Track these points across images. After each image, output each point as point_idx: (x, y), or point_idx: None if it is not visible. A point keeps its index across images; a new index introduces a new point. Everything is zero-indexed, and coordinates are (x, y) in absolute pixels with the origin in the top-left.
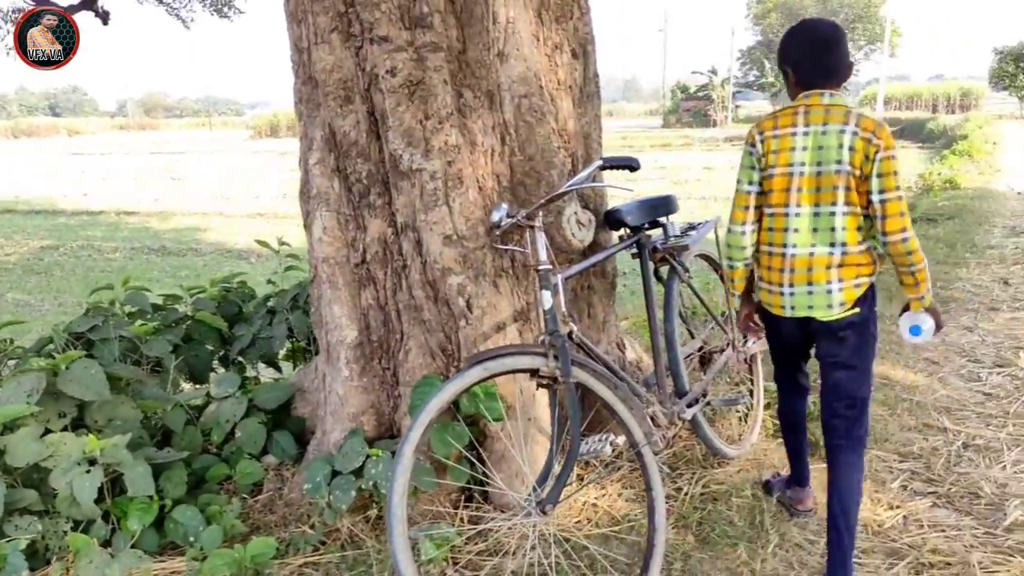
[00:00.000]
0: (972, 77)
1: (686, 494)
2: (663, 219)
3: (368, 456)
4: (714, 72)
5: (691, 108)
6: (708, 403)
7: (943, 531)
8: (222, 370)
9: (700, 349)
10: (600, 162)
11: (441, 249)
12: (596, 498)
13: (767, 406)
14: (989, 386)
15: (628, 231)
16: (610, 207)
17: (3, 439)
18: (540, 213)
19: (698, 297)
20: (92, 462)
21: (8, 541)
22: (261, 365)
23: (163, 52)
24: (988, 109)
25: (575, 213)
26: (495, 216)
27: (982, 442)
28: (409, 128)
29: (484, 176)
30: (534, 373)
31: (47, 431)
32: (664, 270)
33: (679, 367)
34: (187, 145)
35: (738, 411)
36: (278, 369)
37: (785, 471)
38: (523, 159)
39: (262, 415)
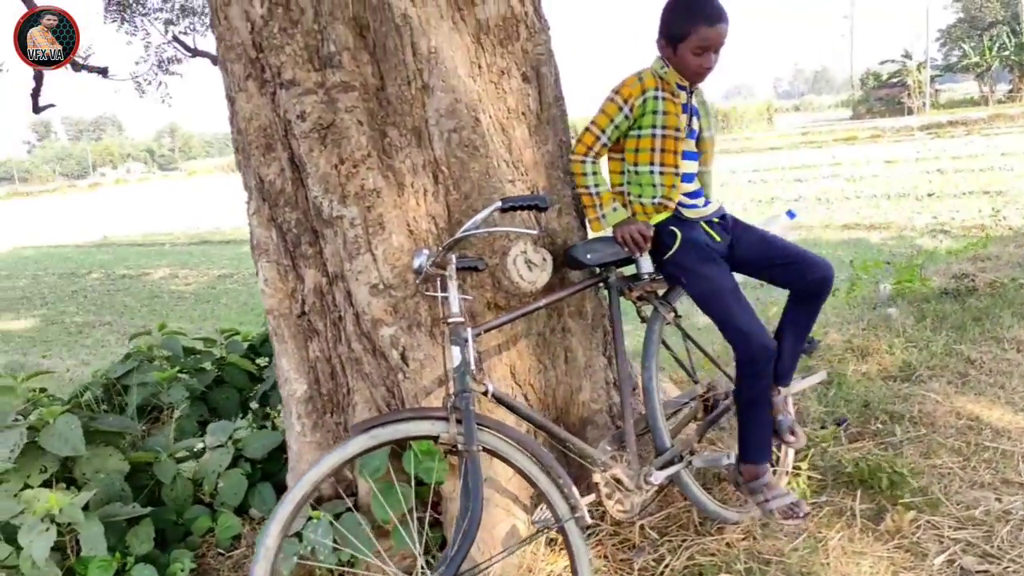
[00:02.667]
0: None
1: (666, 567)
2: (637, 255)
3: (309, 518)
4: (908, 56)
5: (884, 96)
6: (690, 463)
7: None
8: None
9: (702, 396)
10: (499, 203)
11: (369, 299)
12: (564, 568)
13: (805, 456)
14: None
15: (599, 269)
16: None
17: None
18: (453, 259)
19: (690, 340)
20: (53, 520)
21: None
22: None
23: None
24: None
25: (523, 253)
26: (416, 262)
27: None
28: (325, 174)
29: (416, 218)
30: (436, 440)
31: (26, 486)
32: (647, 310)
33: (657, 420)
34: None
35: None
36: None
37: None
38: (459, 197)
39: (248, 465)
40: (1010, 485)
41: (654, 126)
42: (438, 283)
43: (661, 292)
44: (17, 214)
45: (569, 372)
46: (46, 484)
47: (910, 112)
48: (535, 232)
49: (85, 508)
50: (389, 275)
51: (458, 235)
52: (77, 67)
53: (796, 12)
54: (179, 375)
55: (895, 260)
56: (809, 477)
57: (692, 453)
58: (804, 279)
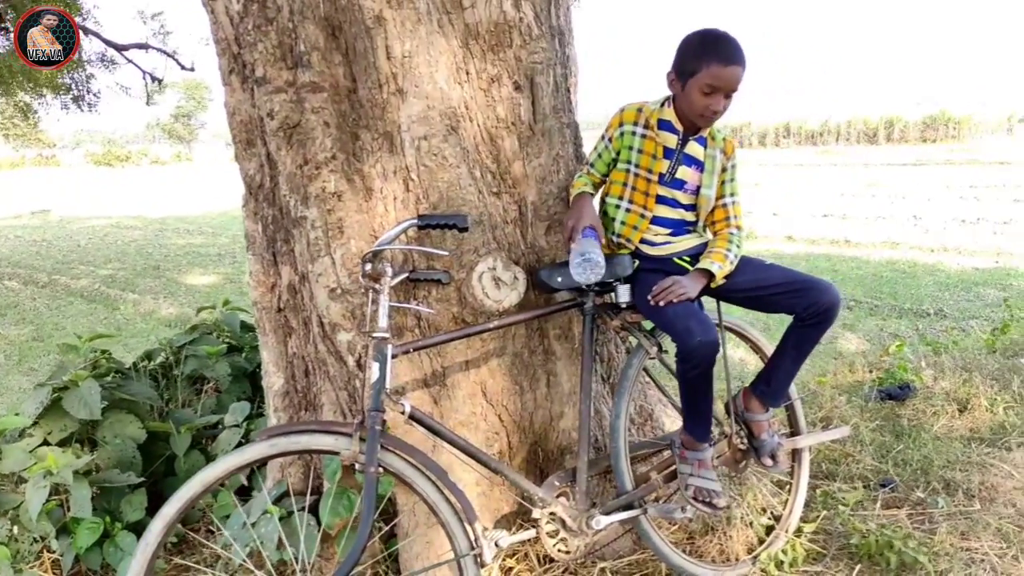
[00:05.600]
0: None
1: None
2: (617, 283)
3: (264, 512)
4: None
5: None
6: (644, 511)
7: None
8: None
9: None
10: (414, 221)
11: (328, 303)
12: None
13: (816, 517)
14: None
15: (575, 293)
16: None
17: (8, 446)
18: (388, 272)
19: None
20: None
21: None
22: None
23: None
24: None
25: (491, 269)
26: (363, 270)
27: None
28: (291, 173)
29: (384, 225)
30: (338, 456)
31: (46, 443)
32: (632, 341)
33: (620, 462)
34: None
35: (753, 519)
36: None
37: None
38: (428, 207)
39: None
40: None
41: (629, 161)
42: (418, 292)
43: (649, 325)
44: None
45: (551, 397)
46: (64, 443)
47: None
48: (445, 253)
49: (88, 472)
50: (347, 280)
51: (374, 247)
52: None
53: None
54: (233, 351)
55: None
56: (811, 540)
57: (658, 500)
58: (810, 305)
